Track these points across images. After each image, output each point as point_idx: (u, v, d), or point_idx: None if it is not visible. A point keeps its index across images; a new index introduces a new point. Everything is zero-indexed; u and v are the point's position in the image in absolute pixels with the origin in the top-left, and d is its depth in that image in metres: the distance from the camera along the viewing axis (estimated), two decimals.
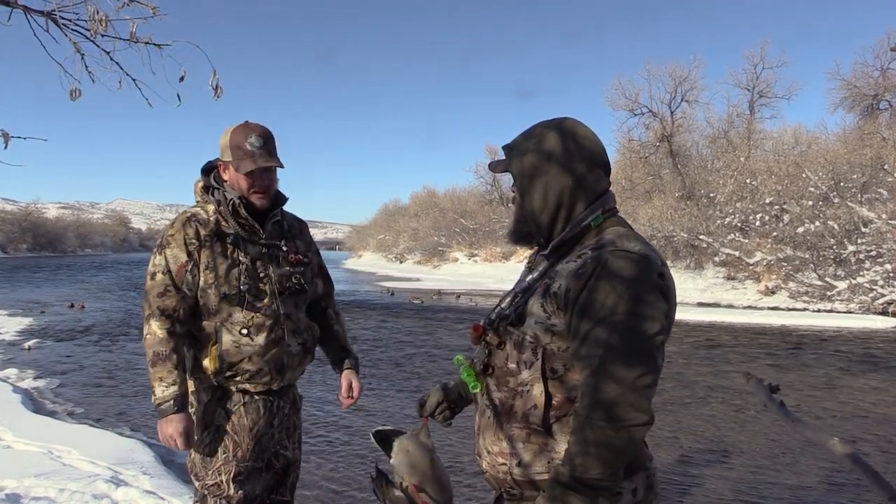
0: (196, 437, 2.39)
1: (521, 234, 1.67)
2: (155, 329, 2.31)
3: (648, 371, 1.39)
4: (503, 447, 1.57)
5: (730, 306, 20.24)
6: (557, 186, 1.57)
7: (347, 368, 2.66)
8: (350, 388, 2.62)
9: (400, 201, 71.57)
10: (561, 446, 1.50)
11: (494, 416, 1.59)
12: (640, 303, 1.41)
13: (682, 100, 33.10)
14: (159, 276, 2.35)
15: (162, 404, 2.28)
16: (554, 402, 1.51)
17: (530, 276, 1.64)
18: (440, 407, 1.96)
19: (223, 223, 2.40)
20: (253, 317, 2.36)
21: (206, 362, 2.36)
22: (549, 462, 1.51)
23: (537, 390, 1.51)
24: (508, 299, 1.66)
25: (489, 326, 1.65)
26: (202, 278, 2.34)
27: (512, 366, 1.56)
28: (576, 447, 1.40)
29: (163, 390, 2.28)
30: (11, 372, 9.52)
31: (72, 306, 19.26)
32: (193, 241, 2.35)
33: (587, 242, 1.56)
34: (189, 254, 2.34)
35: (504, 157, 1.67)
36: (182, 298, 2.34)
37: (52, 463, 4.95)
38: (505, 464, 1.57)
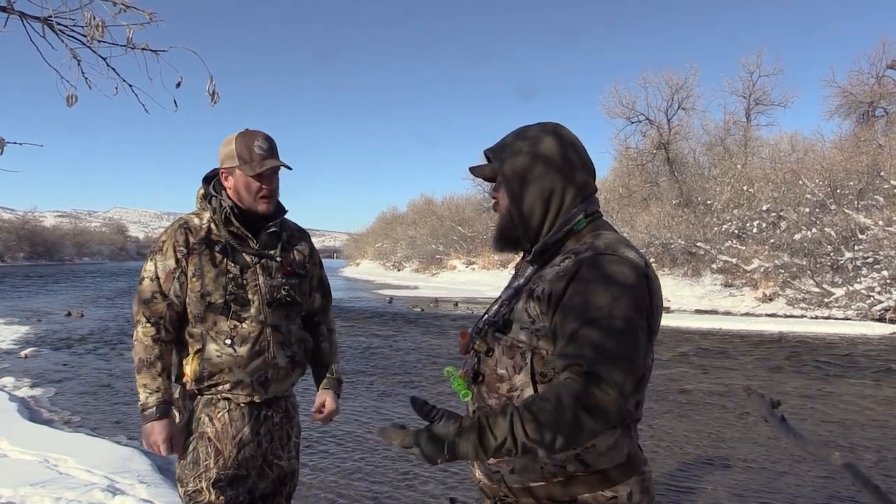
0: (182, 444, 2.39)
1: (508, 239, 1.66)
2: (141, 336, 2.34)
3: (630, 376, 1.37)
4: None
5: (727, 313, 20.25)
6: (550, 189, 1.58)
7: (325, 388, 2.66)
8: (322, 405, 2.62)
9: (397, 209, 71.53)
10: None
11: None
12: (621, 305, 1.40)
13: (678, 107, 33.17)
14: (147, 283, 2.37)
15: (145, 410, 2.32)
16: None
17: (517, 283, 1.64)
18: None
19: (214, 231, 2.40)
20: (237, 327, 2.36)
21: (188, 369, 2.37)
22: (542, 467, 1.51)
23: (527, 395, 1.50)
24: (496, 306, 1.65)
25: (477, 334, 1.64)
26: (189, 285, 2.35)
27: (502, 371, 1.55)
28: (531, 409, 1.32)
29: (146, 396, 2.32)
30: (8, 380, 9.48)
31: (69, 314, 19.21)
32: (182, 248, 2.36)
33: (571, 246, 1.56)
34: (177, 261, 2.35)
35: (489, 161, 1.66)
36: (169, 305, 2.35)
37: (48, 471, 4.93)
38: (498, 471, 1.56)
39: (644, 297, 1.45)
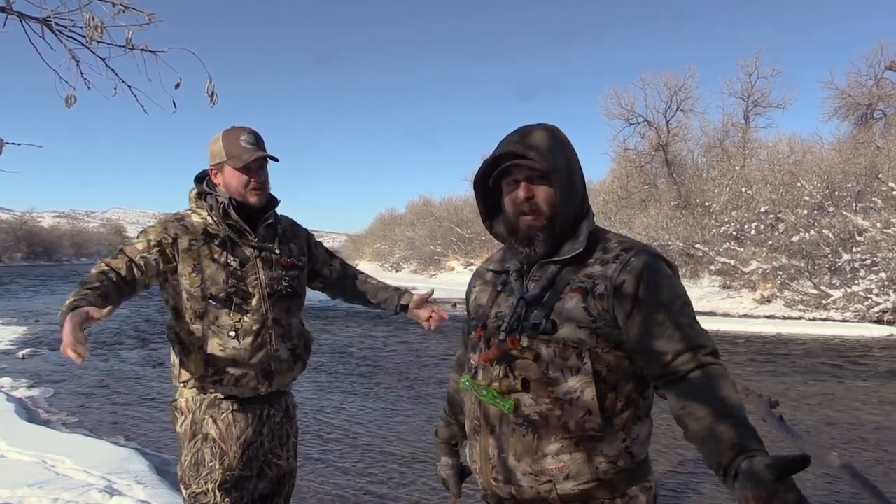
0: (186, 447, 2.39)
1: (557, 237, 1.60)
2: (91, 270, 2.25)
3: None
4: (547, 464, 1.51)
5: (725, 315, 20.24)
6: (580, 192, 1.62)
7: (412, 295, 2.73)
8: (427, 307, 2.69)
9: (396, 210, 71.30)
10: (608, 448, 1.51)
11: (533, 432, 1.52)
12: (685, 292, 1.60)
13: (677, 109, 33.14)
14: (121, 246, 2.37)
15: (64, 308, 2.07)
16: (606, 404, 1.51)
17: (534, 284, 1.59)
18: (463, 475, 1.98)
19: (212, 226, 2.42)
20: (240, 319, 2.37)
21: (192, 366, 2.36)
22: (597, 467, 1.51)
23: (588, 395, 1.48)
24: (518, 310, 1.58)
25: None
26: (188, 280, 2.35)
27: (555, 374, 1.50)
28: (731, 417, 1.38)
29: (72, 299, 2.09)
30: (5, 381, 9.47)
31: None
32: (169, 238, 2.36)
33: (601, 245, 1.60)
34: (159, 243, 2.34)
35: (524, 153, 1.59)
36: (129, 265, 2.25)
37: (45, 472, 4.92)
38: (550, 481, 1.51)
39: None
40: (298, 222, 2.72)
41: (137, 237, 2.40)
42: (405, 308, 2.72)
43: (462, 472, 1.98)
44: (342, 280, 2.78)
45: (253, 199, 2.43)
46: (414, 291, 2.79)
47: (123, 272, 2.25)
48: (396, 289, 2.79)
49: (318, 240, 2.79)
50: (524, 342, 1.54)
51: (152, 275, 2.31)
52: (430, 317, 2.65)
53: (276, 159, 2.48)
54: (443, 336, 15.16)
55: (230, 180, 2.42)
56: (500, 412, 1.55)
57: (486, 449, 1.60)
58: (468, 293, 1.83)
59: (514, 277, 1.66)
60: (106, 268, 2.25)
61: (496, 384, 1.56)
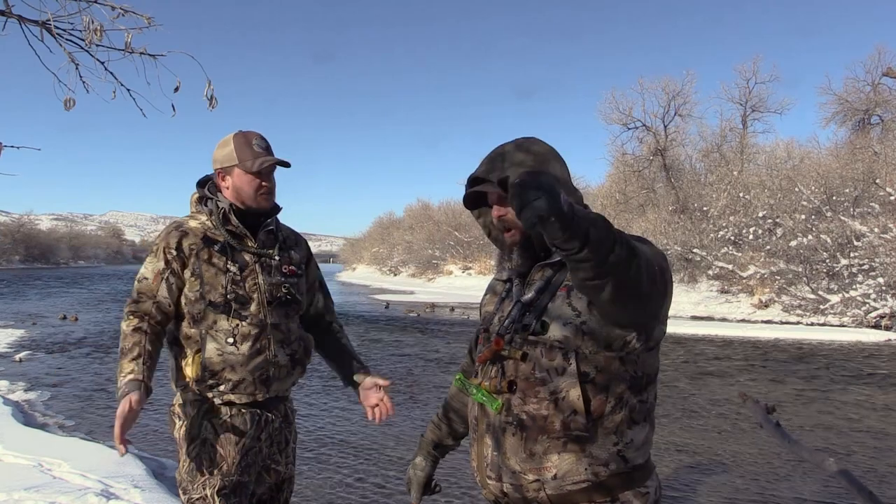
0: (184, 452, 2.38)
1: (535, 251, 1.62)
2: (124, 328, 2.34)
3: (657, 282, 1.38)
4: (535, 463, 1.52)
5: (723, 320, 20.27)
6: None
7: (370, 376, 2.55)
8: (375, 389, 2.51)
9: (394, 214, 71.49)
10: (598, 450, 1.50)
11: (522, 431, 1.54)
12: (659, 253, 1.47)
13: (675, 114, 33.24)
14: (136, 284, 2.40)
15: (118, 393, 2.22)
16: (592, 406, 1.50)
17: (533, 286, 1.61)
18: (429, 486, 2.00)
19: (212, 231, 2.42)
20: (238, 325, 2.36)
21: (188, 370, 2.36)
22: (585, 469, 1.50)
23: (574, 395, 1.49)
24: (515, 312, 1.61)
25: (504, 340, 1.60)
26: (187, 285, 2.35)
27: (542, 375, 1.52)
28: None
29: (120, 381, 2.23)
30: (2, 384, 9.45)
31: (64, 318, 19.16)
32: (173, 250, 2.37)
33: None
34: (167, 262, 2.36)
35: (483, 185, 1.65)
36: (157, 305, 2.35)
37: (42, 476, 4.91)
38: (538, 480, 1.53)
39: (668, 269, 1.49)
40: (302, 236, 2.72)
41: (146, 267, 2.40)
42: (355, 385, 2.58)
43: (429, 483, 1.98)
44: (316, 322, 2.67)
45: (263, 203, 2.44)
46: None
47: (158, 317, 2.35)
48: (359, 361, 2.63)
49: (317, 263, 2.75)
50: (516, 343, 1.57)
51: (175, 299, 2.37)
52: (377, 405, 2.49)
53: (287, 165, 2.48)
54: (444, 340, 15.16)
55: (241, 184, 2.41)
56: (494, 411, 1.58)
57: (481, 448, 1.63)
58: (480, 305, 1.87)
59: (516, 283, 1.68)
60: (136, 321, 2.32)
61: (486, 383, 1.60)
